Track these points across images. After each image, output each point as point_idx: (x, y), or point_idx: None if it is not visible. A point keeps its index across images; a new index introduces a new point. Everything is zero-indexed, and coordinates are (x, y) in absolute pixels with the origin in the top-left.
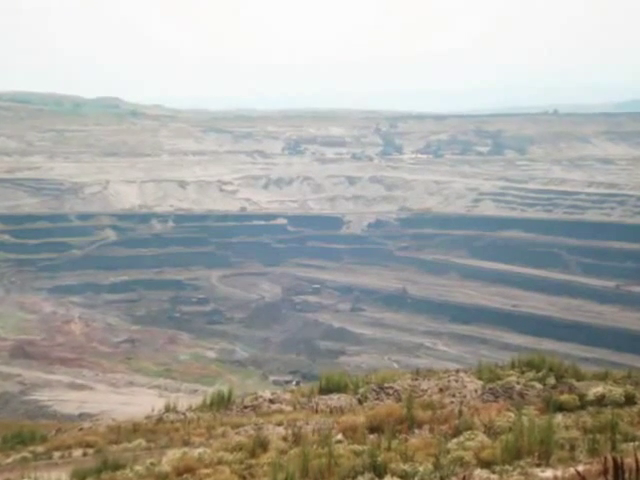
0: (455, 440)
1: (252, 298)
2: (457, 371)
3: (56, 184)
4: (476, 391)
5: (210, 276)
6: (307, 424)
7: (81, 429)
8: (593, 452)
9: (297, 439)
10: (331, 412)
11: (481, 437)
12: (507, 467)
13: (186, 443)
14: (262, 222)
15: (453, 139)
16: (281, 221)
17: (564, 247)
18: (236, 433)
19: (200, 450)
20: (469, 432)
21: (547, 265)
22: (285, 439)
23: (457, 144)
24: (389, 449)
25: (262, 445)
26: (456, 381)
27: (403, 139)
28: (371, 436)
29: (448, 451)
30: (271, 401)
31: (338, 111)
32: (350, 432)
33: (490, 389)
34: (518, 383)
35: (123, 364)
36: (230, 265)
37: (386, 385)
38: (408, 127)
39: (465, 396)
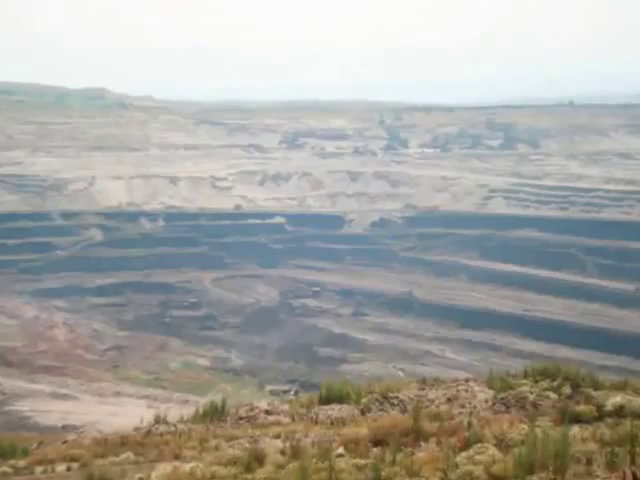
0: (464, 454)
1: (247, 302)
2: (466, 380)
3: (38, 180)
4: (487, 401)
5: (203, 278)
6: (306, 436)
7: (65, 442)
8: (611, 466)
9: (295, 452)
10: (332, 424)
11: (492, 450)
12: None
13: (177, 457)
14: (258, 221)
15: (462, 132)
16: (278, 220)
17: (581, 247)
18: (230, 446)
19: (192, 464)
20: (479, 445)
21: (562, 267)
22: (283, 453)
23: (466, 137)
24: (394, 463)
25: (258, 459)
26: (465, 391)
27: (408, 132)
28: (375, 449)
29: (457, 465)
30: (268, 412)
31: (339, 102)
32: (352, 445)
33: (502, 399)
34: (531, 393)
35: (110, 373)
36: (224, 267)
37: (390, 395)
38: (414, 119)
39: (475, 406)
